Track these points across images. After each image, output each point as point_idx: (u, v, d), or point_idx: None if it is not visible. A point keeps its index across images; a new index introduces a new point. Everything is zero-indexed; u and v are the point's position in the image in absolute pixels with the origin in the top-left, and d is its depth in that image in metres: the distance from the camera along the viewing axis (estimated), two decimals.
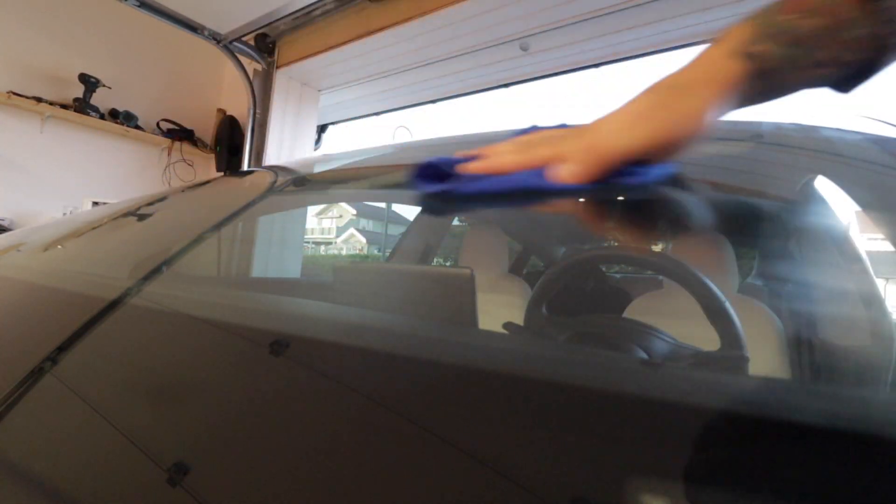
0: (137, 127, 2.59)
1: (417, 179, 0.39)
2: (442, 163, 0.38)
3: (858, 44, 0.30)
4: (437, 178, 0.38)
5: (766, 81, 0.32)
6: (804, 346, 0.50)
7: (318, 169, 0.89)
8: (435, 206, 0.44)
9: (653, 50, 2.08)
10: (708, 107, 0.32)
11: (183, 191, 0.96)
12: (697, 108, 0.32)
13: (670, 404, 0.23)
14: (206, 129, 2.87)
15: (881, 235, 0.44)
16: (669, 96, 0.33)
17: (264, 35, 2.50)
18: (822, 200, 0.49)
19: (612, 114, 0.34)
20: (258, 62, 2.55)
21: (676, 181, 0.37)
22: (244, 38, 2.41)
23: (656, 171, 0.33)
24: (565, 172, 0.33)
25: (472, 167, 0.37)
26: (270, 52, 2.57)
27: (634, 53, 2.11)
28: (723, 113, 0.33)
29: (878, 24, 0.29)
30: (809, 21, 0.30)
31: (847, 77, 0.32)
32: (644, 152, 0.32)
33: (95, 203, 2.21)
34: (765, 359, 0.54)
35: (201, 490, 0.22)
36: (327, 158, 1.16)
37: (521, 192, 0.34)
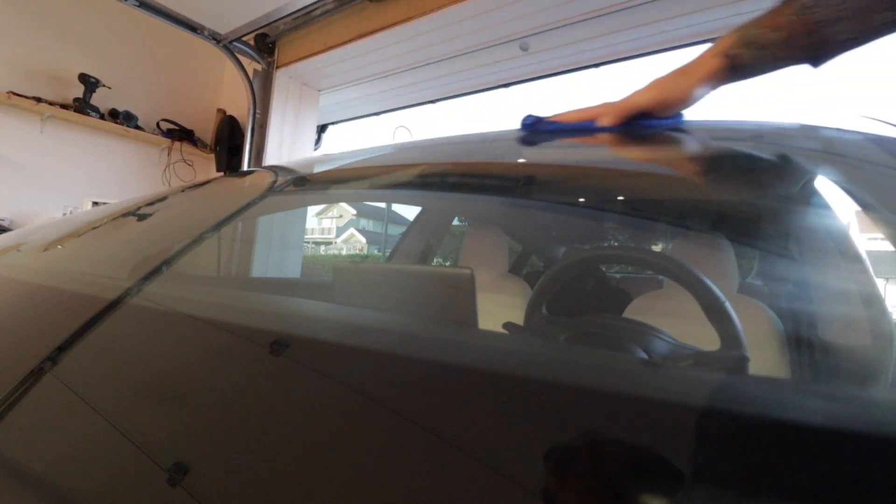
0: (137, 127, 2.59)
1: (523, 122, 0.65)
2: (537, 117, 0.64)
3: (804, 48, 0.47)
4: (535, 124, 0.64)
5: (737, 71, 0.51)
6: (804, 346, 0.50)
7: (318, 169, 0.89)
8: (530, 129, 0.66)
9: (653, 50, 2.07)
10: (695, 84, 0.52)
11: (183, 191, 0.96)
12: (689, 84, 0.53)
13: (670, 404, 0.23)
14: (206, 129, 2.87)
15: (881, 235, 0.44)
16: (674, 76, 0.54)
17: (264, 35, 2.50)
18: (822, 200, 0.49)
19: (638, 89, 0.55)
20: (258, 62, 2.55)
21: (676, 129, 0.56)
22: (244, 38, 2.41)
23: (659, 123, 0.55)
24: (605, 120, 0.56)
25: (554, 118, 0.62)
26: (270, 52, 2.57)
27: (634, 53, 2.11)
28: (707, 88, 0.53)
29: (814, 35, 0.45)
30: (774, 34, 0.47)
31: (806, 61, 0.48)
32: (650, 107, 0.54)
33: (95, 203, 2.21)
34: (765, 359, 0.54)
35: (201, 490, 0.22)
36: (327, 158, 1.16)
37: (581, 129, 0.60)
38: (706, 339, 0.46)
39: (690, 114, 0.57)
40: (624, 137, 0.65)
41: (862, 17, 0.43)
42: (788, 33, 0.46)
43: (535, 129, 0.64)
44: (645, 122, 0.55)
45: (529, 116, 0.64)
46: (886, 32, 0.44)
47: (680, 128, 0.56)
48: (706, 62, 0.51)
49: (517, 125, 0.68)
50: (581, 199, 0.76)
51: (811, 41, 0.45)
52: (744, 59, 0.49)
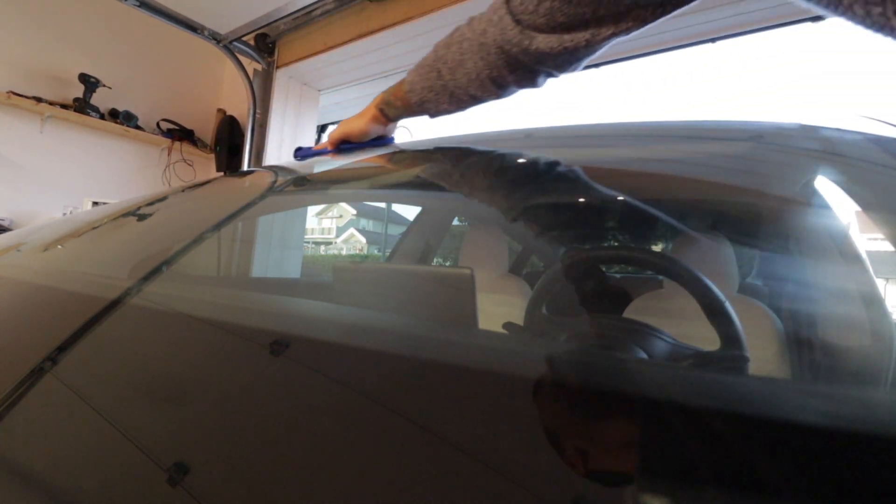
0: (137, 127, 2.59)
1: (294, 153, 0.95)
2: (305, 149, 0.94)
3: (414, 112, 0.72)
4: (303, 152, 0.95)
5: (388, 118, 0.75)
6: (804, 346, 0.50)
7: (318, 169, 0.89)
8: (301, 157, 0.94)
9: (653, 50, 2.07)
10: (364, 124, 0.76)
11: (183, 191, 0.96)
12: (360, 124, 0.77)
13: (670, 404, 0.23)
14: (206, 129, 2.87)
15: (881, 235, 0.44)
16: (353, 118, 0.78)
17: (264, 35, 2.50)
18: (822, 200, 0.49)
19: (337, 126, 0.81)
20: (258, 62, 2.55)
21: (380, 147, 0.79)
22: (244, 38, 2.41)
23: (353, 146, 0.80)
24: (329, 146, 0.83)
25: (316, 147, 0.90)
26: (270, 52, 2.57)
27: (634, 53, 2.11)
28: (375, 127, 0.76)
29: (415, 107, 0.71)
30: (398, 101, 0.71)
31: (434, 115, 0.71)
32: (343, 138, 0.79)
33: (95, 203, 2.21)
34: (765, 359, 0.54)
35: (201, 490, 0.22)
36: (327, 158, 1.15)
37: (320, 153, 0.89)
38: (706, 339, 0.46)
39: (695, 115, 0.58)
40: (625, 138, 0.65)
41: (435, 106, 0.68)
42: (403, 102, 0.71)
43: (302, 156, 0.92)
44: (348, 145, 0.80)
45: (299, 148, 0.94)
46: (454, 111, 0.69)
47: (384, 146, 0.79)
48: (370, 110, 0.76)
49: (513, 126, 0.73)
50: (581, 199, 0.76)
51: (415, 109, 0.71)
52: (387, 112, 0.74)
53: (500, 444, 0.22)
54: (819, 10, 0.43)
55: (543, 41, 0.54)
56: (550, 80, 0.62)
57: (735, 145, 0.57)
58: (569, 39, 0.53)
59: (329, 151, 0.84)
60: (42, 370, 0.33)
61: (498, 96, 0.64)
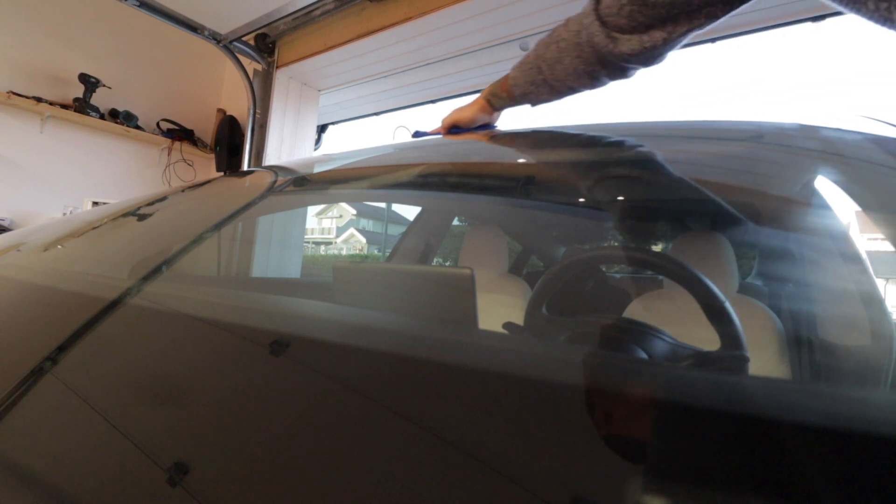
0: (137, 127, 2.59)
1: (413, 135, 0.96)
2: (422, 132, 0.95)
3: (517, 101, 0.79)
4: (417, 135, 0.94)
5: (494, 108, 0.83)
6: (804, 346, 0.50)
7: (318, 169, 0.89)
8: (417, 137, 0.94)
9: None
10: (473, 112, 0.83)
11: (183, 191, 0.96)
12: (470, 112, 0.84)
13: (670, 404, 0.23)
14: (206, 129, 2.87)
15: (881, 235, 0.44)
16: (465, 107, 0.85)
17: (264, 35, 2.50)
18: (822, 200, 0.49)
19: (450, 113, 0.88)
20: (258, 62, 2.55)
21: (486, 132, 0.84)
22: (244, 38, 2.41)
23: (462, 130, 0.85)
24: (440, 130, 0.88)
25: (431, 131, 0.93)
26: (270, 52, 2.57)
27: None
28: (482, 115, 0.83)
29: (518, 98, 0.78)
30: (503, 93, 0.79)
31: (535, 103, 0.79)
32: (454, 123, 0.85)
33: (95, 203, 2.21)
34: (765, 359, 0.54)
35: (201, 490, 0.22)
36: (327, 158, 1.16)
37: (433, 135, 0.90)
38: (706, 339, 0.46)
39: (695, 115, 0.58)
40: (626, 138, 0.65)
41: (536, 98, 0.76)
42: (507, 94, 0.79)
43: (416, 135, 0.95)
44: (458, 130, 0.86)
45: (416, 132, 0.96)
46: (553, 100, 0.76)
47: (489, 132, 0.84)
48: (479, 101, 0.84)
49: (515, 126, 0.82)
50: (581, 199, 0.76)
51: (519, 100, 0.79)
52: (494, 103, 0.82)
53: (499, 443, 0.22)
54: (834, 6, 0.44)
55: (626, 43, 0.61)
56: (641, 70, 0.68)
57: (735, 145, 0.57)
58: (647, 39, 0.59)
59: (441, 135, 0.93)
60: (42, 370, 0.33)
61: (592, 87, 0.72)
